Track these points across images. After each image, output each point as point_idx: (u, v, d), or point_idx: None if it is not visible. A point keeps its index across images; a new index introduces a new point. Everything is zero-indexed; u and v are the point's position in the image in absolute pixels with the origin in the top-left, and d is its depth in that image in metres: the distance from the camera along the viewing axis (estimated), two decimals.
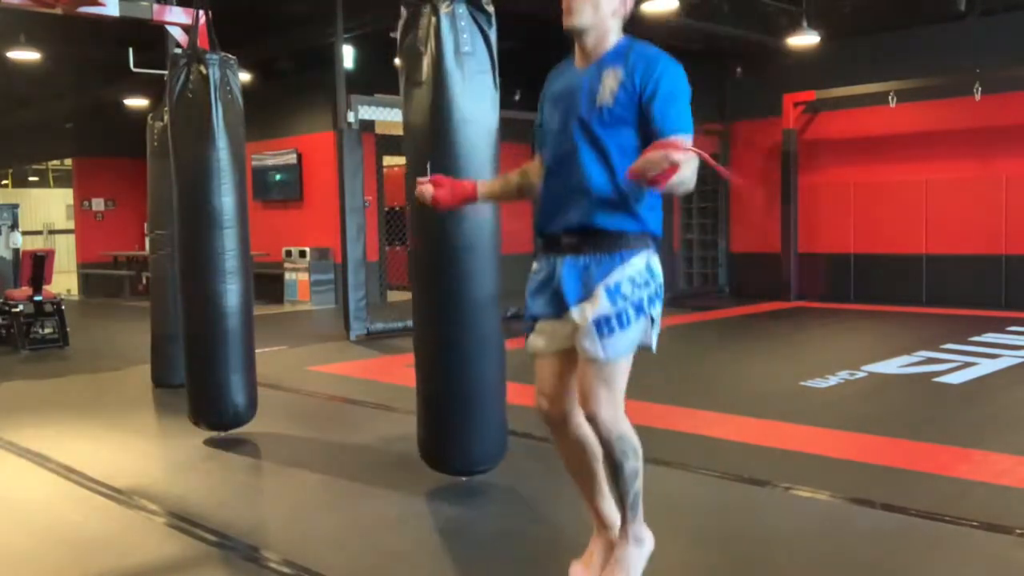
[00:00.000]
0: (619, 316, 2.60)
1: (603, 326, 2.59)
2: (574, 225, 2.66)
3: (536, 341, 2.79)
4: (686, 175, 2.35)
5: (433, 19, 3.79)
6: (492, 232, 4.00)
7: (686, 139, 2.47)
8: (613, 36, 2.70)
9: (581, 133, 2.64)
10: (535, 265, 2.82)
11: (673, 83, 2.59)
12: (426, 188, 2.92)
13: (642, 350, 2.71)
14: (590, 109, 2.63)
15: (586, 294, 2.64)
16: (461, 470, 4.14)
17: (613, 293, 2.61)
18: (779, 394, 6.22)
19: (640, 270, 2.64)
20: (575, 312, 2.65)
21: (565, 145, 2.69)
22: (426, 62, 3.83)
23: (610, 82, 2.61)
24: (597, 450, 2.77)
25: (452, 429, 4.04)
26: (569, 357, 2.73)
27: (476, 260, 3.93)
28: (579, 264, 2.67)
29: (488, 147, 3.91)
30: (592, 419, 2.64)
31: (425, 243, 4.01)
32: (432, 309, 4.04)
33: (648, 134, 2.55)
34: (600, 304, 2.60)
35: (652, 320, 2.66)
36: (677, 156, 2.26)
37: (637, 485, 2.70)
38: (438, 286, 3.99)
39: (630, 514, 2.75)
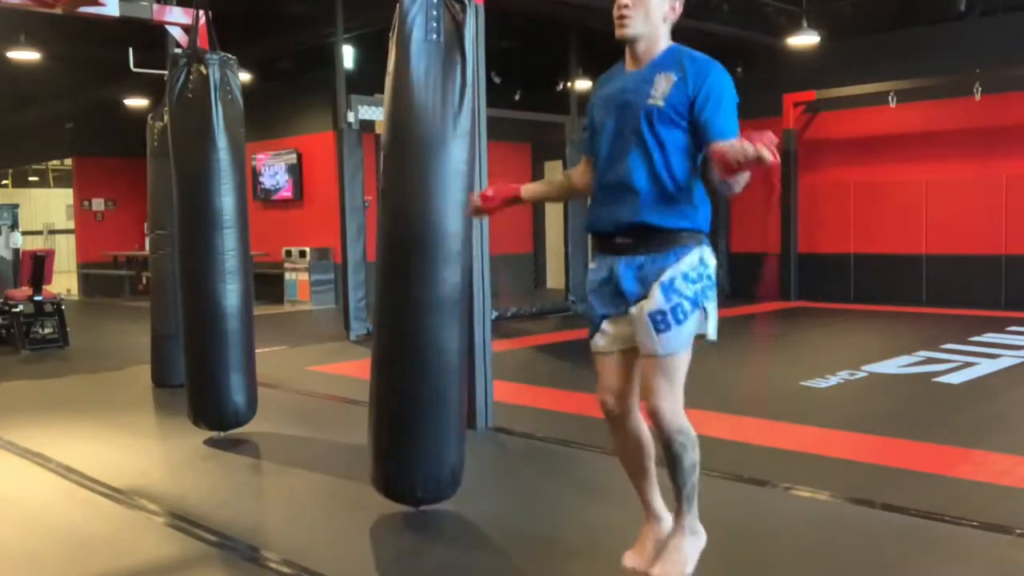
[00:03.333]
0: (674, 311, 2.70)
1: (659, 322, 2.70)
2: (626, 223, 2.75)
3: (599, 340, 2.89)
4: (747, 176, 2.48)
5: (400, 9, 3.64)
6: (457, 231, 3.61)
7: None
8: (664, 41, 2.78)
9: (634, 133, 2.72)
10: (592, 264, 2.92)
11: (723, 89, 2.70)
12: (475, 196, 3.06)
13: (704, 342, 2.80)
14: (642, 110, 2.71)
15: (643, 292, 2.74)
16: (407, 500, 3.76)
17: (668, 289, 2.70)
18: (779, 394, 6.22)
19: (694, 265, 2.74)
20: (633, 310, 2.76)
21: (618, 145, 2.77)
22: (392, 53, 3.69)
23: (662, 85, 2.69)
24: (651, 447, 2.92)
25: (393, 453, 3.69)
26: (630, 355, 2.84)
27: (427, 259, 3.56)
28: (635, 263, 2.77)
29: (447, 142, 3.58)
30: (654, 413, 2.74)
31: (380, 240, 3.70)
32: (382, 314, 3.73)
33: (697, 137, 2.67)
34: (656, 301, 2.70)
35: (706, 311, 2.75)
36: (767, 154, 2.33)
37: (694, 478, 2.80)
38: (390, 290, 3.68)
39: (686, 506, 2.84)
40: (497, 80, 11.07)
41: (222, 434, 5.20)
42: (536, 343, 8.71)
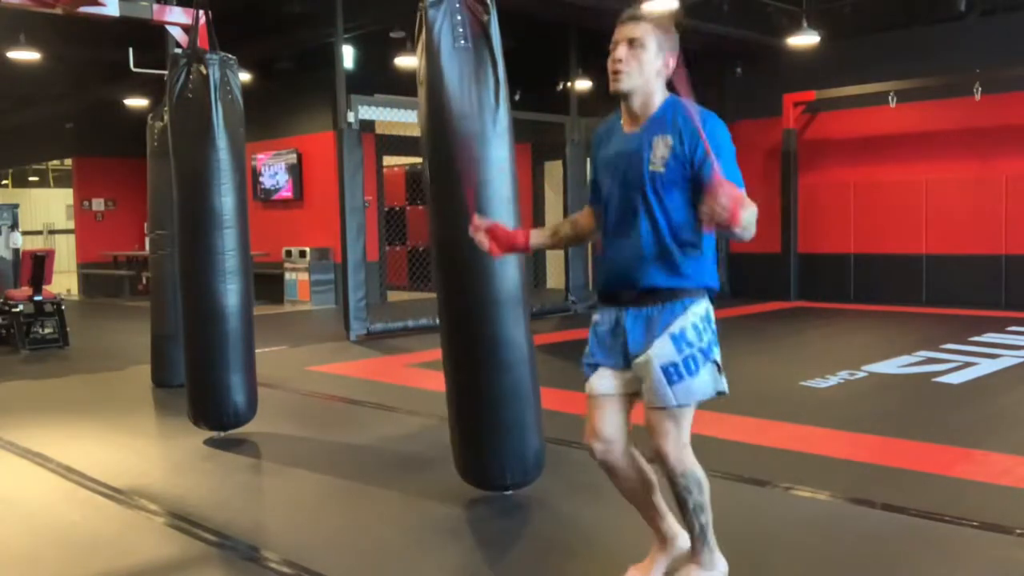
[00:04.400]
0: (686, 362, 2.68)
1: (672, 373, 2.67)
2: (637, 288, 2.74)
3: (598, 382, 2.83)
4: (749, 219, 2.41)
5: (425, 17, 3.70)
6: (509, 224, 3.72)
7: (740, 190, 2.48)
8: (658, 95, 2.77)
9: (639, 200, 2.73)
10: (596, 317, 2.88)
11: (719, 142, 2.65)
12: (482, 238, 2.99)
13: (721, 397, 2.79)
14: (643, 177, 2.72)
15: (650, 341, 2.71)
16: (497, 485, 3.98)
17: (679, 340, 2.69)
18: (779, 394, 6.22)
19: (702, 316, 2.73)
20: (641, 359, 2.72)
21: (623, 212, 2.78)
22: (422, 61, 3.77)
23: (660, 150, 2.70)
24: (652, 480, 2.88)
25: (481, 443, 3.90)
26: (628, 403, 2.82)
27: (487, 258, 3.66)
28: (642, 314, 2.74)
29: (492, 143, 3.75)
30: (659, 455, 2.72)
31: (447, 240, 3.85)
32: (453, 311, 3.90)
33: (700, 193, 2.61)
34: (667, 352, 2.68)
35: (718, 365, 2.73)
36: (730, 195, 2.33)
37: (702, 519, 2.78)
38: (463, 288, 3.84)
39: (699, 544, 2.81)
40: None
41: (222, 434, 5.20)
42: (536, 343, 8.65)
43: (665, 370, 2.67)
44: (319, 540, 3.59)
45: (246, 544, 3.53)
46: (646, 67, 2.72)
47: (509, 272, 3.80)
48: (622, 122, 2.84)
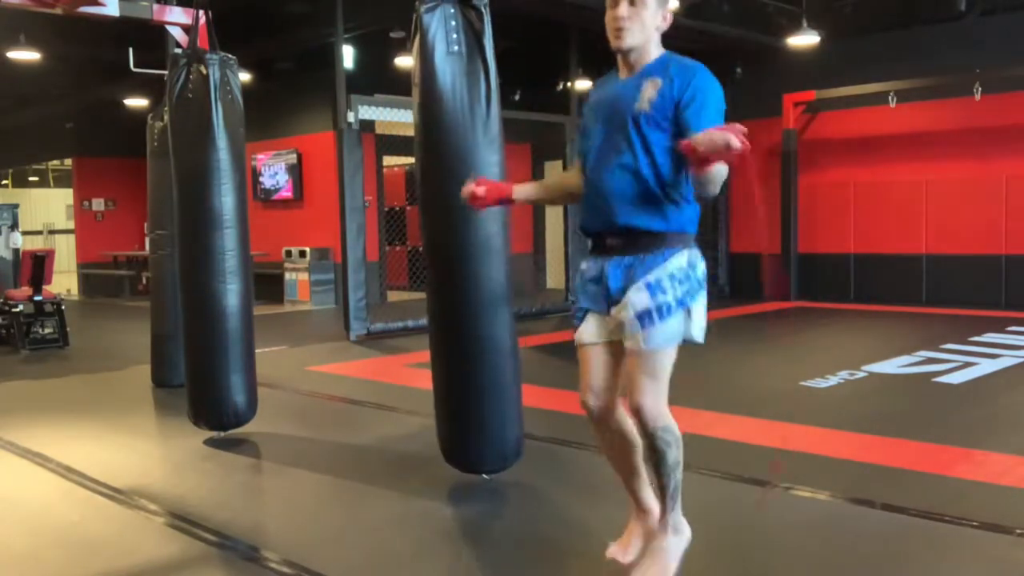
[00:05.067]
0: (659, 309, 2.75)
1: (644, 318, 2.75)
2: (616, 225, 2.82)
3: (584, 331, 2.94)
4: (723, 170, 2.50)
5: (420, 22, 3.79)
6: (502, 232, 3.99)
7: None
8: (655, 49, 2.87)
9: (621, 138, 2.80)
10: (583, 265, 2.98)
11: (708, 91, 2.74)
12: (467, 188, 3.09)
13: (692, 345, 2.85)
14: (629, 115, 2.79)
15: (628, 289, 2.80)
16: (483, 468, 4.17)
17: (654, 288, 2.77)
18: (779, 394, 6.22)
19: (681, 266, 2.79)
20: (618, 306, 2.81)
21: (606, 149, 2.85)
22: (416, 65, 3.86)
23: (649, 90, 2.77)
24: (637, 442, 2.94)
25: (468, 426, 4.08)
26: (614, 352, 2.90)
27: (486, 259, 3.93)
28: (623, 263, 2.83)
29: (482, 147, 3.87)
30: (637, 410, 2.78)
31: (436, 242, 4.02)
32: (444, 309, 4.04)
33: (682, 138, 2.66)
34: (641, 298, 2.76)
35: (690, 312, 2.79)
36: (735, 142, 2.37)
37: (678, 476, 2.83)
38: (451, 285, 3.99)
39: (669, 503, 2.87)
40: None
41: (222, 434, 5.20)
42: (536, 343, 8.70)
43: (639, 315, 2.76)
44: (319, 540, 3.59)
45: (246, 544, 3.53)
46: (647, 23, 2.81)
47: (495, 273, 3.94)
48: (618, 73, 2.93)
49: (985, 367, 6.92)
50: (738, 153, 2.37)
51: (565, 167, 11.80)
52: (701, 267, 2.85)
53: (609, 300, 2.85)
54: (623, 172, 2.79)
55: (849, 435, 5.01)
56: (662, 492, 2.86)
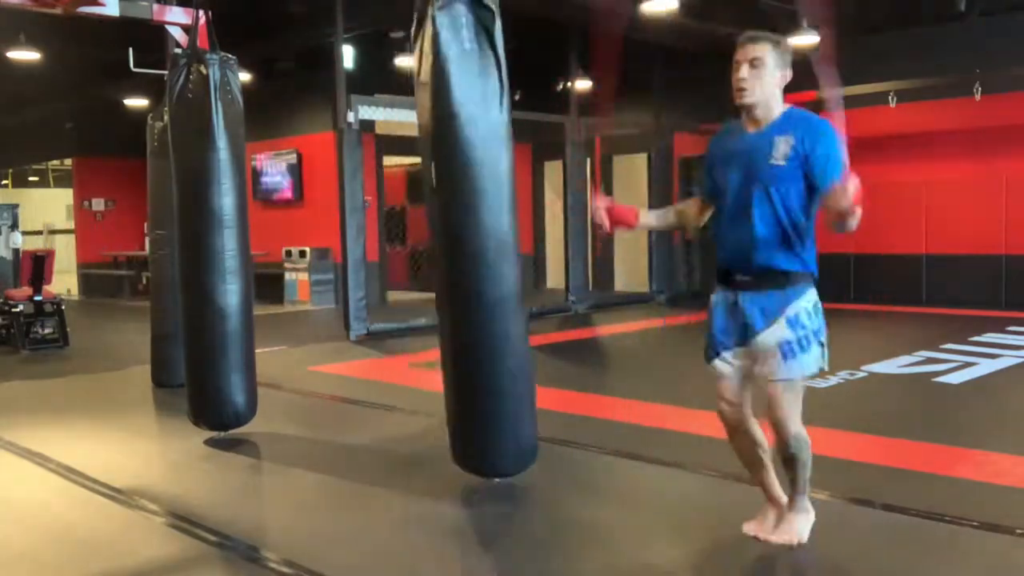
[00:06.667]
0: (800, 341, 3.10)
1: (787, 351, 3.09)
2: (753, 268, 3.15)
3: (723, 366, 3.26)
4: (859, 213, 2.88)
5: (432, 19, 3.76)
6: (511, 231, 3.94)
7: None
8: (778, 106, 3.23)
9: (758, 190, 3.13)
10: (714, 299, 3.30)
11: (832, 146, 3.13)
12: (600, 213, 3.36)
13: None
14: (765, 169, 3.12)
15: (768, 323, 3.12)
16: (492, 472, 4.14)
17: (793, 322, 3.11)
18: None
19: (814, 302, 3.16)
20: (759, 339, 3.13)
21: (743, 198, 3.16)
22: (427, 63, 3.80)
23: (783, 147, 3.12)
24: (765, 443, 3.31)
25: (485, 428, 4.03)
26: (747, 373, 3.23)
27: (498, 259, 3.89)
28: (759, 298, 3.15)
29: (494, 146, 3.84)
30: (777, 423, 3.13)
31: (450, 240, 3.96)
32: (455, 308, 4.00)
33: (812, 189, 3.10)
34: (784, 331, 3.10)
35: (823, 346, 3.16)
36: (857, 211, 2.87)
37: (807, 472, 3.24)
38: (461, 286, 3.95)
39: (800, 491, 3.28)
40: None
41: (222, 434, 5.20)
42: (536, 343, 8.66)
43: (781, 348, 3.09)
44: (319, 540, 3.59)
45: (246, 544, 3.53)
46: (766, 81, 3.19)
47: (507, 272, 3.91)
48: (744, 125, 3.25)
49: (985, 367, 6.92)
50: (858, 197, 2.83)
51: (565, 167, 11.80)
52: (821, 307, 3.19)
53: (745, 333, 3.17)
54: (762, 219, 3.11)
55: (849, 435, 5.00)
56: (793, 484, 3.26)
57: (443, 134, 3.83)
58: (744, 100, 3.19)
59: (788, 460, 3.20)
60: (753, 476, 3.44)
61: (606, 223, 3.36)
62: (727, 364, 3.25)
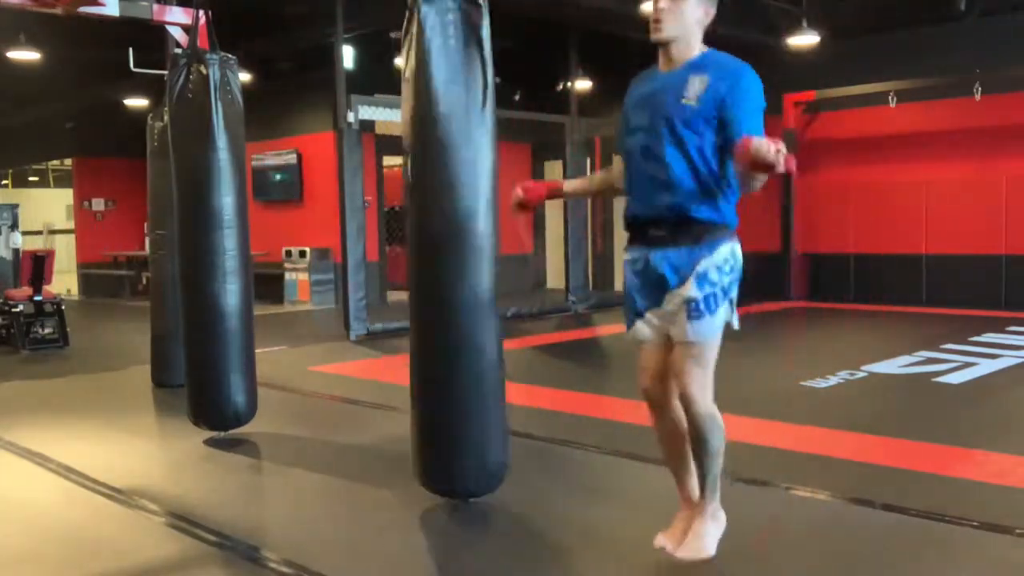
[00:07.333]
0: (707, 300, 2.90)
1: (693, 310, 2.90)
2: (661, 215, 2.93)
3: (642, 330, 3.06)
4: (766, 177, 2.68)
5: (418, 14, 3.66)
6: (488, 233, 3.76)
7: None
8: (697, 44, 2.95)
9: (667, 130, 2.89)
10: (627, 255, 3.07)
11: (752, 91, 2.86)
12: (516, 191, 3.29)
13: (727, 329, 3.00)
14: (676, 108, 2.88)
15: (678, 282, 2.92)
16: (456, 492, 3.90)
17: (702, 280, 2.90)
18: (779, 394, 6.22)
19: (726, 257, 2.94)
20: (668, 299, 2.94)
21: (652, 140, 2.93)
22: (411, 58, 3.72)
23: (696, 85, 2.86)
24: (685, 428, 3.05)
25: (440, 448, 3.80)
26: (669, 342, 3.00)
27: (468, 260, 3.69)
28: (669, 255, 2.93)
29: (473, 145, 3.70)
30: (684, 396, 2.92)
31: (416, 241, 3.83)
32: (421, 312, 3.83)
33: (725, 136, 2.83)
34: (691, 290, 2.90)
35: (731, 302, 2.97)
36: (781, 167, 2.53)
37: (719, 464, 3.00)
38: (428, 288, 3.79)
39: (709, 492, 3.05)
40: (497, 80, 11.09)
41: (222, 434, 5.20)
42: (536, 343, 8.70)
43: (688, 306, 2.89)
44: (319, 540, 3.59)
45: (246, 544, 3.52)
46: (687, 17, 2.90)
47: (482, 277, 3.71)
48: (660, 67, 3.01)
49: (985, 367, 6.92)
50: (777, 171, 2.53)
51: (565, 168, 11.80)
52: (740, 256, 2.98)
53: (662, 291, 2.95)
54: (674, 163, 2.87)
55: (849, 435, 5.01)
56: (703, 480, 3.02)
57: (420, 131, 3.72)
58: (660, 35, 2.92)
59: (696, 444, 2.96)
60: (672, 471, 3.19)
61: (523, 193, 3.33)
62: (647, 326, 3.03)
